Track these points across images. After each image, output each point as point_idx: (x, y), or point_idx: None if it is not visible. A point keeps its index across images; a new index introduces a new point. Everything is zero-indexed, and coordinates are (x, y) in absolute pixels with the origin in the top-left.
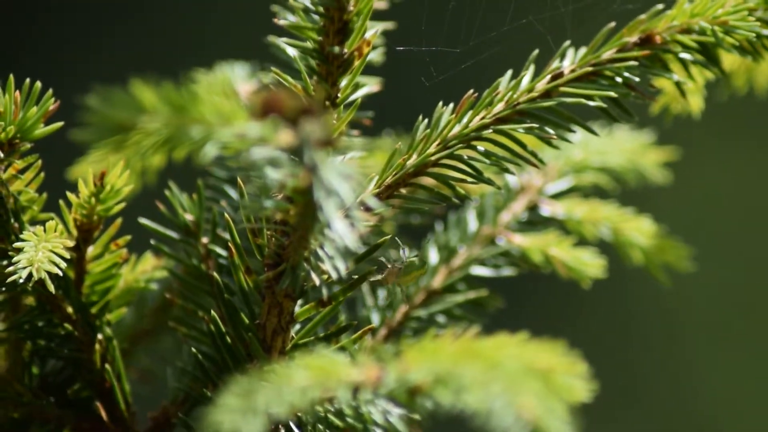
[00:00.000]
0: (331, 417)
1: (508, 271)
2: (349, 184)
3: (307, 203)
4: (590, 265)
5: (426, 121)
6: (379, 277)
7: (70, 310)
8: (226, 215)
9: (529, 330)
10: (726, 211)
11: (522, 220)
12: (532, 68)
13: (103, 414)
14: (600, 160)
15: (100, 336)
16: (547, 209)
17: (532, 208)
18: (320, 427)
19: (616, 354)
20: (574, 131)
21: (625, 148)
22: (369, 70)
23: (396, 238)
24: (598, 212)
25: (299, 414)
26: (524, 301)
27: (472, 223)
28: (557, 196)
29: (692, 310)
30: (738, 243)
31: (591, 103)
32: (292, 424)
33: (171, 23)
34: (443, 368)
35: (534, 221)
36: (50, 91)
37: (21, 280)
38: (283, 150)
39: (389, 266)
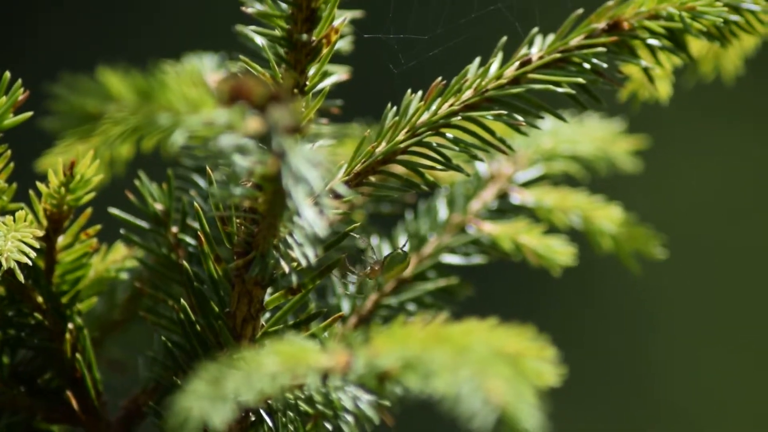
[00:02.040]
0: (301, 404)
1: (478, 259)
2: (317, 171)
3: (275, 190)
4: (560, 252)
5: (395, 108)
6: (362, 272)
7: (40, 299)
8: (195, 204)
9: (499, 317)
10: (697, 198)
11: (492, 209)
12: (500, 55)
13: (74, 403)
14: (570, 149)
15: (70, 325)
16: (517, 197)
17: (502, 197)
18: (290, 414)
19: (586, 341)
20: (543, 118)
21: (595, 136)
22: (337, 58)
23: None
24: (568, 200)
25: (269, 401)
26: (494, 289)
27: (443, 211)
28: (527, 185)
29: (662, 297)
30: (709, 231)
31: (559, 90)
32: (262, 411)
33: (138, 13)
34: (412, 353)
35: (504, 209)
36: (19, 81)
37: None
38: (251, 137)
39: (373, 261)
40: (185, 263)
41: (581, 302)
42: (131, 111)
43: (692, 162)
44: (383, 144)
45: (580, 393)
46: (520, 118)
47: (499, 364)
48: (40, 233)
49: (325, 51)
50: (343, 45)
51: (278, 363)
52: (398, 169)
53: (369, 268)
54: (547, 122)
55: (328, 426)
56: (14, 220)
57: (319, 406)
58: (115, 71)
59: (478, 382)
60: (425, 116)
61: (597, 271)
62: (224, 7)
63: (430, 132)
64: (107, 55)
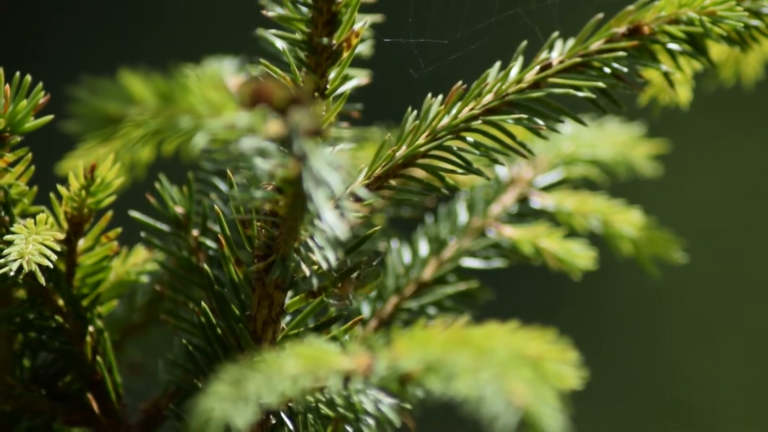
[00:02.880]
0: (323, 407)
1: (498, 263)
2: (338, 174)
3: (296, 193)
4: (580, 256)
5: (415, 112)
6: (336, 288)
7: (61, 302)
8: (216, 207)
9: (520, 321)
10: (716, 203)
11: (512, 212)
12: (520, 59)
13: (95, 406)
14: (590, 153)
15: (91, 328)
16: (537, 201)
17: (523, 200)
18: (311, 416)
19: (606, 345)
20: (563, 122)
21: (615, 140)
22: (358, 62)
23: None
24: (588, 204)
25: (290, 404)
26: (514, 292)
27: (463, 215)
28: (547, 188)
29: (682, 300)
30: (728, 235)
31: (579, 94)
32: (283, 414)
33: (157, 17)
34: (433, 356)
35: (524, 213)
36: (40, 84)
37: (11, 273)
38: (272, 140)
39: (347, 278)
40: (206, 266)
41: (601, 306)
42: (152, 114)
43: (712, 166)
44: (404, 148)
45: (601, 395)
46: (540, 122)
47: (520, 367)
48: (61, 236)
49: (345, 54)
50: (364, 49)
51: (299, 365)
52: (419, 172)
53: (342, 283)
54: (568, 126)
55: (350, 429)
56: (35, 223)
57: (341, 409)
58: (135, 74)
59: (499, 384)
60: (446, 120)
61: (617, 274)
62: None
63: (450, 136)
64: (127, 58)
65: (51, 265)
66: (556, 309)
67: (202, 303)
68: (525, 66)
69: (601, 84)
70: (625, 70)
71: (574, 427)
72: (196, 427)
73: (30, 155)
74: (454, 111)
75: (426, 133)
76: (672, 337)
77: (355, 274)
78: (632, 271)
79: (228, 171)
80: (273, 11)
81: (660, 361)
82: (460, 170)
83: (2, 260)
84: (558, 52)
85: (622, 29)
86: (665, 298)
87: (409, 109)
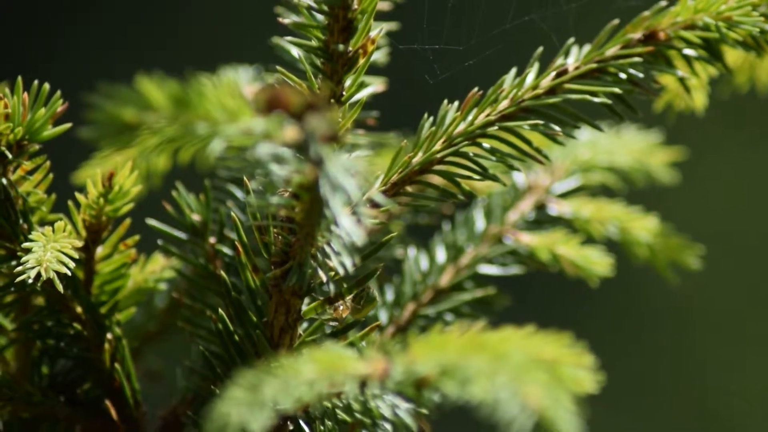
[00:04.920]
0: (340, 412)
1: (515, 270)
2: (355, 180)
3: (313, 199)
4: (598, 263)
5: (431, 118)
6: (333, 312)
7: (79, 309)
8: (232, 214)
9: (537, 326)
10: (734, 209)
11: (529, 219)
12: (536, 65)
13: (113, 413)
14: (607, 160)
15: (109, 335)
16: (554, 208)
17: (540, 207)
18: (328, 422)
19: (624, 351)
20: (579, 128)
21: (632, 147)
22: (373, 70)
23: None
24: (606, 211)
25: (307, 409)
26: (531, 299)
27: (480, 222)
28: (565, 195)
29: (701, 308)
30: (747, 241)
31: (596, 100)
32: (300, 420)
33: (174, 26)
34: (449, 360)
35: (541, 220)
36: (58, 92)
37: (30, 280)
38: (288, 146)
39: (343, 302)
40: (223, 273)
41: (619, 314)
42: (169, 120)
43: (729, 173)
44: (420, 154)
45: (618, 401)
46: (556, 128)
47: (536, 370)
48: (79, 244)
49: (361, 61)
50: (379, 57)
51: (316, 370)
52: (435, 179)
53: (340, 307)
54: (585, 133)
55: None
56: (53, 231)
57: (357, 414)
58: (152, 81)
59: (515, 388)
60: (462, 126)
61: (635, 281)
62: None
63: (466, 142)
64: (143, 66)
65: (69, 273)
66: (573, 317)
67: (220, 310)
68: (541, 72)
69: (617, 90)
70: (641, 75)
71: (590, 431)
72: None
73: (48, 163)
74: (470, 117)
75: (442, 140)
76: (691, 343)
77: (350, 299)
78: (651, 279)
79: (244, 177)
80: (289, 19)
81: (681, 371)
82: (476, 176)
83: (21, 268)
84: (574, 58)
85: (637, 35)
86: (687, 306)
87: (425, 115)
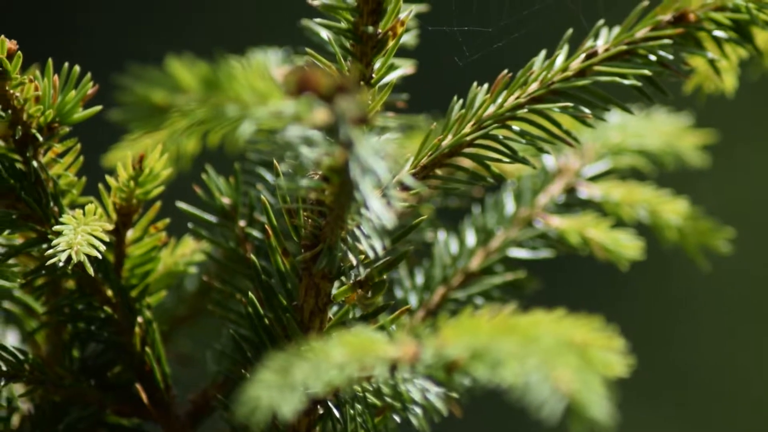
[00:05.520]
0: (370, 396)
1: (545, 253)
2: (385, 162)
3: (343, 182)
4: (628, 246)
5: (461, 101)
6: (345, 298)
7: (109, 293)
8: (262, 198)
9: (567, 309)
10: (765, 192)
11: (559, 203)
12: (566, 47)
13: (143, 397)
14: (637, 143)
15: (139, 319)
16: (584, 191)
17: (570, 191)
18: (358, 406)
19: (657, 336)
20: (609, 110)
21: (662, 130)
22: (403, 52)
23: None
24: (636, 194)
25: (337, 393)
26: (562, 283)
27: (510, 205)
28: (595, 179)
29: (731, 290)
30: None
31: (625, 82)
32: (330, 404)
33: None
34: (480, 343)
35: (571, 203)
36: (89, 75)
37: (60, 263)
38: (318, 128)
39: (354, 290)
40: (253, 257)
41: (651, 298)
42: (199, 102)
43: (759, 156)
44: (449, 137)
45: (648, 385)
46: (586, 110)
47: (566, 354)
48: (110, 227)
49: (391, 43)
50: (409, 39)
51: (346, 353)
52: (465, 162)
53: (349, 296)
54: (615, 116)
55: (397, 418)
56: (84, 214)
57: (388, 399)
58: (182, 63)
59: (545, 371)
60: (491, 109)
61: (665, 265)
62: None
63: (496, 125)
64: (173, 48)
65: (100, 256)
66: (603, 299)
67: (250, 293)
68: (570, 54)
69: (646, 72)
70: (671, 57)
71: (620, 415)
72: (243, 415)
73: (79, 146)
74: (499, 100)
75: (472, 122)
76: (718, 327)
77: (361, 287)
78: (682, 263)
79: (274, 160)
80: (318, 0)
81: (704, 352)
82: (506, 159)
83: (51, 251)
84: (603, 40)
85: (667, 17)
86: (714, 288)
87: (455, 98)
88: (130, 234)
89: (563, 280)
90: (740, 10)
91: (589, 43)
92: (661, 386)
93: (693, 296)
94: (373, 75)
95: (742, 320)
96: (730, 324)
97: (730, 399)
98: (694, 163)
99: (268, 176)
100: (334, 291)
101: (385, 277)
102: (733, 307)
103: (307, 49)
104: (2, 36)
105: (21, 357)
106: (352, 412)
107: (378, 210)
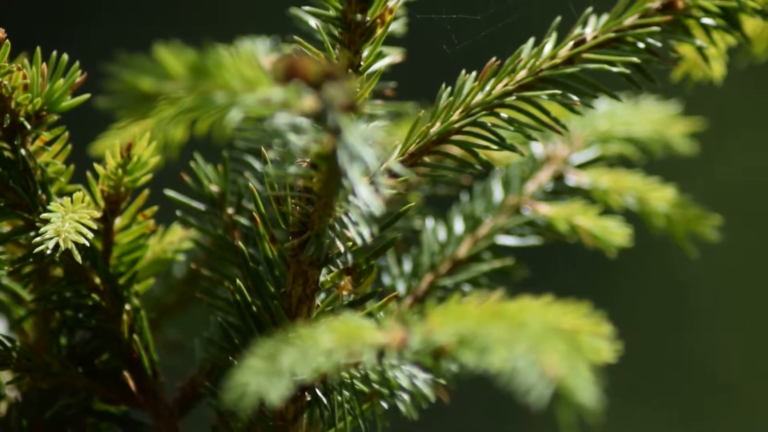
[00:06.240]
0: (357, 382)
1: (533, 241)
2: (373, 149)
3: (330, 169)
4: (616, 234)
5: (449, 89)
6: (336, 289)
7: (97, 280)
8: (250, 185)
9: (555, 296)
10: (754, 181)
11: (547, 190)
12: (554, 35)
13: (131, 384)
14: (626, 131)
15: (127, 306)
16: (572, 179)
17: (558, 178)
18: (346, 393)
19: (647, 326)
20: (597, 98)
21: (651, 118)
22: (391, 41)
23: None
24: (624, 182)
25: (325, 380)
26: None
27: (498, 192)
28: (583, 166)
29: (718, 279)
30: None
31: (614, 69)
32: (317, 390)
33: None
34: (467, 329)
35: (559, 191)
36: (77, 63)
37: (48, 251)
38: (306, 115)
39: (342, 279)
40: (241, 244)
41: (642, 284)
42: (187, 90)
43: (747, 143)
44: (438, 124)
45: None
46: (575, 98)
47: (554, 340)
48: (98, 214)
49: (379, 31)
50: (397, 27)
51: (334, 340)
52: (453, 149)
53: (341, 284)
54: (603, 104)
55: (384, 405)
56: (72, 202)
57: (375, 385)
58: (170, 50)
59: (533, 356)
60: (479, 96)
61: (652, 252)
62: None
63: (484, 112)
64: (161, 37)
65: (87, 244)
66: (592, 286)
67: (238, 281)
68: (559, 42)
69: (635, 59)
70: (660, 45)
71: (607, 400)
72: (231, 402)
73: (67, 134)
74: (488, 87)
75: (460, 110)
76: (707, 316)
77: (349, 274)
78: (668, 250)
79: (262, 148)
80: None
81: (693, 341)
82: (494, 147)
83: (39, 239)
84: (592, 28)
85: (656, 4)
86: (701, 276)
87: (443, 85)
88: (118, 222)
89: (552, 267)
90: None
91: (577, 30)
92: (649, 374)
93: (682, 284)
94: (362, 63)
95: (731, 307)
96: (719, 311)
97: (719, 386)
98: (683, 150)
99: (256, 164)
100: (321, 278)
101: (373, 263)
102: (723, 294)
103: (296, 37)
104: None
105: (8, 344)
106: (339, 398)
107: (366, 197)
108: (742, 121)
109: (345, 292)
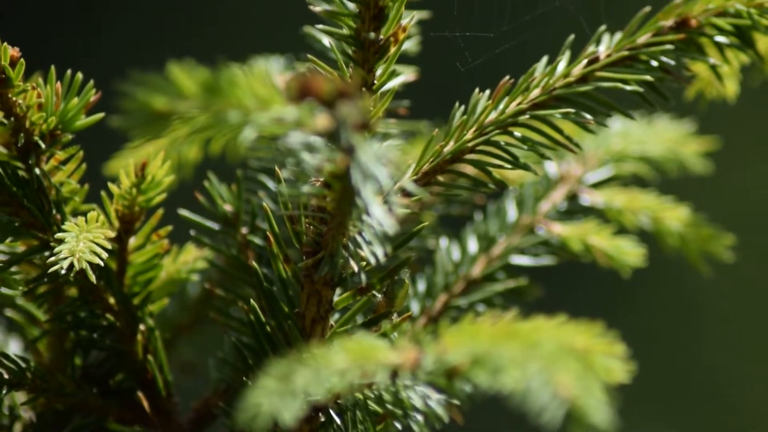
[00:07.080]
0: (371, 403)
1: (547, 260)
2: (386, 168)
3: (344, 188)
4: (630, 253)
5: (462, 107)
6: (374, 310)
7: (112, 300)
8: (264, 205)
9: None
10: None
11: (561, 209)
12: (567, 53)
13: (146, 404)
14: (640, 150)
15: (142, 327)
16: (586, 198)
17: (572, 198)
18: (360, 413)
19: (659, 344)
20: (611, 116)
21: (665, 137)
22: (405, 59)
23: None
24: (638, 201)
25: (338, 400)
26: (563, 290)
27: (512, 212)
28: (597, 185)
29: (733, 299)
30: None
31: (627, 88)
32: (331, 411)
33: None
34: (481, 349)
35: (573, 210)
36: (91, 82)
37: (63, 271)
38: (320, 134)
39: (378, 297)
40: (255, 264)
41: (654, 304)
42: (200, 108)
43: (760, 162)
44: (451, 143)
45: (649, 392)
46: (588, 116)
47: (567, 360)
48: (112, 234)
49: (392, 50)
50: (410, 45)
51: (347, 360)
52: (467, 168)
53: (378, 304)
54: (617, 123)
55: (398, 425)
56: (86, 221)
57: (389, 405)
58: (183, 69)
59: (546, 376)
60: (493, 115)
61: (666, 272)
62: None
63: (498, 131)
64: (174, 56)
65: (102, 263)
66: (606, 306)
67: (252, 301)
68: (572, 60)
69: (648, 77)
70: (673, 63)
71: (620, 421)
72: (244, 422)
73: (81, 153)
74: (501, 106)
75: (473, 129)
76: (722, 336)
77: (381, 295)
78: (682, 269)
79: (275, 167)
80: (320, 7)
81: (709, 360)
82: (508, 166)
83: (54, 258)
84: (605, 46)
85: (669, 22)
86: (716, 296)
87: (457, 104)
88: (133, 241)
89: (566, 287)
90: (742, 15)
91: (590, 48)
92: (663, 394)
93: (697, 304)
94: (375, 81)
95: (745, 327)
96: (733, 331)
97: (732, 407)
98: (697, 169)
99: (270, 183)
100: (335, 298)
101: (406, 278)
102: (737, 314)
103: (309, 56)
104: (5, 43)
105: (23, 365)
106: (353, 419)
107: (379, 216)
108: (756, 140)
109: (382, 310)
